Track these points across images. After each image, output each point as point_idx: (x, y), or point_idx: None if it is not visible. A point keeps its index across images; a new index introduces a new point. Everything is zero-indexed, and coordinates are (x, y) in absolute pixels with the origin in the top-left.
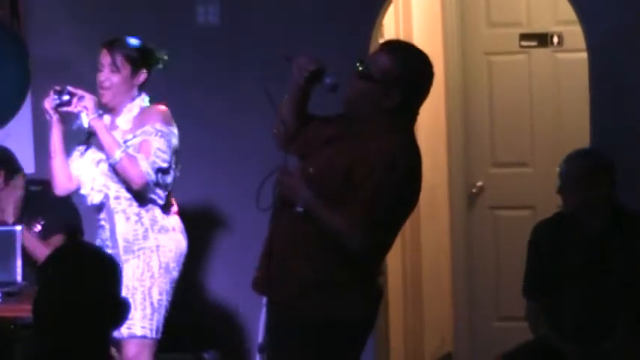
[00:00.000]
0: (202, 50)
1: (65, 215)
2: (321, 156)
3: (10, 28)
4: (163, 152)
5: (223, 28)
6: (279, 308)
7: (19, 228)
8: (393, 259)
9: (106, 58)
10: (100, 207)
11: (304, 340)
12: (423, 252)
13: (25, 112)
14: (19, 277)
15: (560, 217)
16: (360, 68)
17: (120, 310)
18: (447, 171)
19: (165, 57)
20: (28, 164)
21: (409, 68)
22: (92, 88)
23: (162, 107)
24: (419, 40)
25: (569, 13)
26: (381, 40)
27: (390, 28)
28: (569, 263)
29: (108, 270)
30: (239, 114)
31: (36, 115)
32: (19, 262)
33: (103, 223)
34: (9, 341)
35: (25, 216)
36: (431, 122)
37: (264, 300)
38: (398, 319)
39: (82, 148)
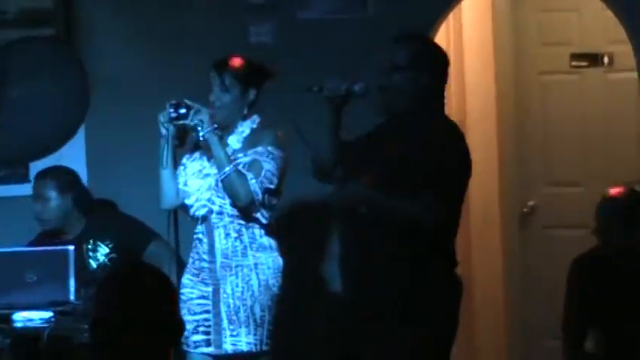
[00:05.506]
0: None
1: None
2: (376, 163)
3: (67, 48)
4: (272, 175)
5: (276, 48)
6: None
7: (71, 247)
8: None
9: (215, 79)
10: (200, 220)
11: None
12: (474, 271)
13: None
14: (72, 297)
15: (599, 258)
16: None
17: (176, 329)
18: (498, 190)
19: (275, 73)
20: None
21: (430, 50)
22: (149, 102)
23: (277, 130)
24: (470, 58)
25: (620, 32)
26: None
27: (441, 45)
28: (611, 307)
29: (164, 289)
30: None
31: (89, 134)
32: (72, 282)
33: (200, 236)
34: None
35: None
36: (483, 141)
37: None
38: None
39: (188, 160)
